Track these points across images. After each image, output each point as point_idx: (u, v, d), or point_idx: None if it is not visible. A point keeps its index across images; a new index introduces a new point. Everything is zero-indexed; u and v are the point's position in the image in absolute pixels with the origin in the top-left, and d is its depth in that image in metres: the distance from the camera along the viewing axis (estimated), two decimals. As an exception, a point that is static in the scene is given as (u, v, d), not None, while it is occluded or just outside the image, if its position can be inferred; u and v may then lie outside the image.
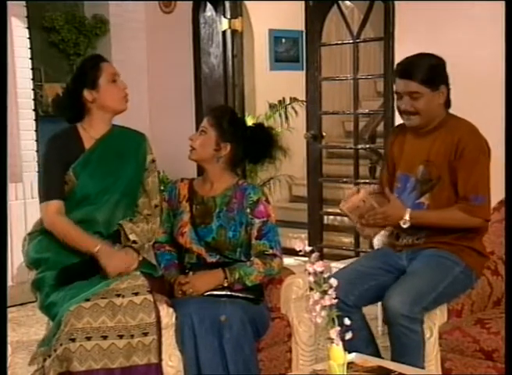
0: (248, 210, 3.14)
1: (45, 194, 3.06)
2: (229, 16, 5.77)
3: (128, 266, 2.96)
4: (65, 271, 2.96)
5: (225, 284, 3.06)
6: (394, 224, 3.17)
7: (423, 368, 2.98)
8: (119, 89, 3.11)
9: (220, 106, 4.95)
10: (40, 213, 3.11)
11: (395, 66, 3.36)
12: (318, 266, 2.24)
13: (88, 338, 2.76)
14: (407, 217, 3.09)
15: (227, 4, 5.77)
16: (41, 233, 3.07)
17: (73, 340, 2.75)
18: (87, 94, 3.06)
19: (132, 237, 3.03)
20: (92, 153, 3.10)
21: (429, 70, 3.11)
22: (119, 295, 2.87)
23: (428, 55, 3.18)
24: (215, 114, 3.22)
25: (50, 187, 3.05)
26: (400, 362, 2.81)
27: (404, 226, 3.11)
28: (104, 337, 2.79)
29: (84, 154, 3.09)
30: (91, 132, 3.11)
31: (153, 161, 3.20)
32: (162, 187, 5.29)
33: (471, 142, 3.08)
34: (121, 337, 2.81)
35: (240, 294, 3.06)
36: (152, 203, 3.15)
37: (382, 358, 3.16)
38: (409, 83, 3.10)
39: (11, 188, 5.08)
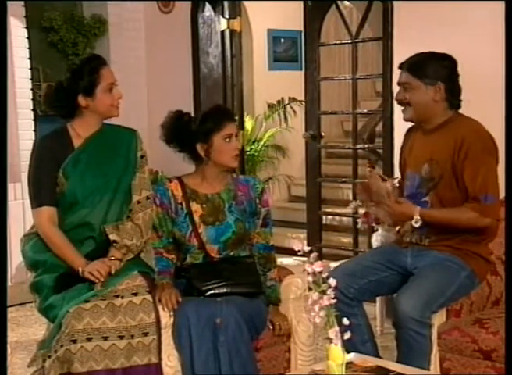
0: (257, 200, 3.21)
1: (36, 200, 3.03)
2: (227, 16, 5.76)
3: (104, 269, 2.91)
4: (65, 276, 2.95)
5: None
6: (404, 222, 3.15)
7: (428, 370, 2.97)
8: (114, 98, 3.06)
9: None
10: (32, 219, 3.09)
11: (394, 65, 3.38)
12: (317, 266, 2.25)
13: (89, 339, 2.77)
14: (417, 216, 3.05)
15: (226, 4, 5.76)
16: (37, 234, 3.05)
17: (74, 341, 2.75)
18: (81, 99, 3.02)
19: (112, 236, 2.99)
20: (81, 152, 3.06)
21: (423, 64, 3.16)
22: (118, 296, 2.88)
23: (435, 53, 3.22)
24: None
25: (40, 191, 3.02)
26: (406, 364, 2.80)
27: (416, 226, 3.05)
28: (105, 338, 2.79)
29: (73, 153, 3.05)
30: (81, 132, 3.08)
31: (142, 156, 3.15)
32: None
33: (475, 142, 3.06)
34: (121, 337, 2.82)
35: (239, 290, 3.06)
36: (134, 199, 3.08)
37: (379, 356, 3.17)
38: (402, 74, 3.22)
39: (9, 188, 5.05)
